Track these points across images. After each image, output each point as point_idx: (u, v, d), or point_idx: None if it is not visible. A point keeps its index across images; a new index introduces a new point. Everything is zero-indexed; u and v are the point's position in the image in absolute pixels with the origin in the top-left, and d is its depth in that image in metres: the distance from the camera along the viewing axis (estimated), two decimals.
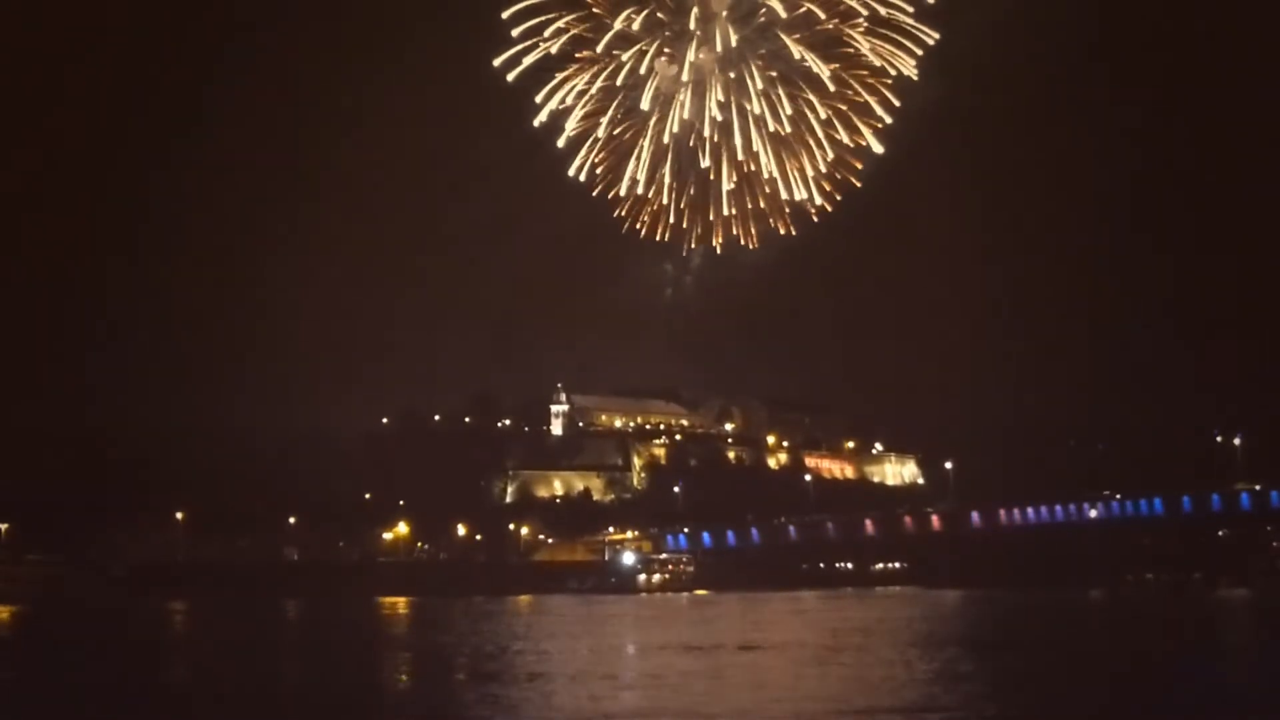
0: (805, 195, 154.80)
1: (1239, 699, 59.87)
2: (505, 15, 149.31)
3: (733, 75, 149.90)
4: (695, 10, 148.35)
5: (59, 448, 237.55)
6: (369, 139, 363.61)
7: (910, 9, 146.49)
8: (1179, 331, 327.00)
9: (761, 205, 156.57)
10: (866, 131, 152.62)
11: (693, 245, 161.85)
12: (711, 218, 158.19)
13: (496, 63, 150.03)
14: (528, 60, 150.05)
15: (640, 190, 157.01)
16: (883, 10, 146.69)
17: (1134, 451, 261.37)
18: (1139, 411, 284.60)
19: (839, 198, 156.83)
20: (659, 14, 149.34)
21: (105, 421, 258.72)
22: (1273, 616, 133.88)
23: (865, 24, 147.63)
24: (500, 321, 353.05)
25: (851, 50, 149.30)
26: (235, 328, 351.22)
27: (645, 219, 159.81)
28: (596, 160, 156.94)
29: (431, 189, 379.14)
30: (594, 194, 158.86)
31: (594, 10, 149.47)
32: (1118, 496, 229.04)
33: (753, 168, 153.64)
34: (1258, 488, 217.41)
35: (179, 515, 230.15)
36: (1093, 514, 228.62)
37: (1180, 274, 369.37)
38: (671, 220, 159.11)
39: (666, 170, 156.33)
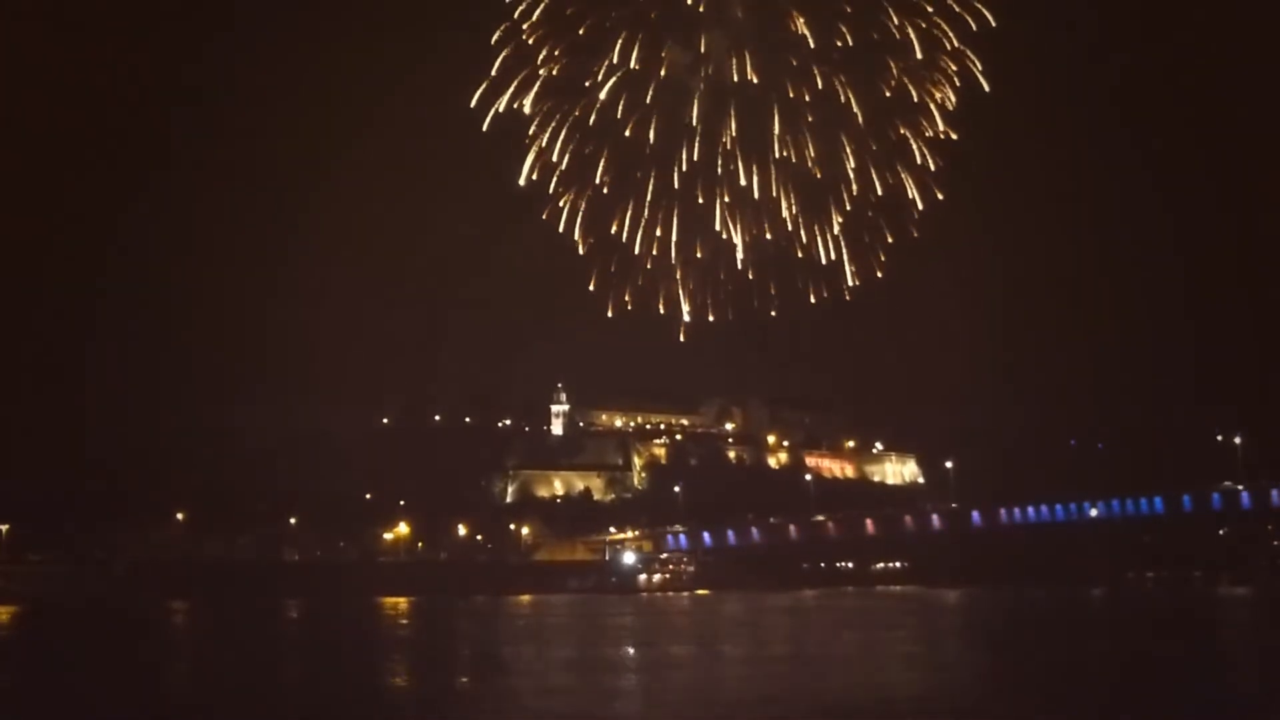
0: (835, 258, 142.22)
1: (1239, 698, 59.73)
2: (493, 41, 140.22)
3: (754, 95, 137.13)
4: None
5: (60, 447, 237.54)
6: (372, 141, 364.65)
7: (954, 39, 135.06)
8: (1179, 331, 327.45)
9: (785, 260, 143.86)
10: (910, 182, 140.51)
11: (703, 312, 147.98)
12: (722, 277, 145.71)
13: (472, 104, 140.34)
14: (501, 103, 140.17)
15: (637, 249, 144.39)
16: (919, 48, 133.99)
17: (1134, 451, 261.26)
18: (1139, 411, 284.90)
19: (883, 257, 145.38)
20: (653, 14, 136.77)
21: (107, 421, 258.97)
22: (1274, 614, 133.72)
23: (907, 54, 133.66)
24: (500, 321, 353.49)
25: (891, 83, 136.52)
26: (236, 328, 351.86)
27: (639, 284, 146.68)
28: (582, 228, 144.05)
29: (433, 189, 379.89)
30: (576, 249, 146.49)
31: (579, 32, 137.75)
32: (1118, 495, 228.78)
33: (771, 208, 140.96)
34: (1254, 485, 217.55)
35: (179, 515, 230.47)
36: (1093, 513, 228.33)
37: (1180, 274, 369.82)
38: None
39: (673, 232, 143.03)
